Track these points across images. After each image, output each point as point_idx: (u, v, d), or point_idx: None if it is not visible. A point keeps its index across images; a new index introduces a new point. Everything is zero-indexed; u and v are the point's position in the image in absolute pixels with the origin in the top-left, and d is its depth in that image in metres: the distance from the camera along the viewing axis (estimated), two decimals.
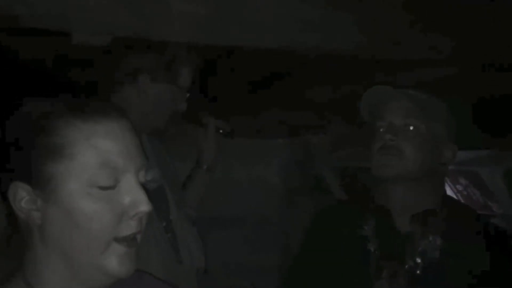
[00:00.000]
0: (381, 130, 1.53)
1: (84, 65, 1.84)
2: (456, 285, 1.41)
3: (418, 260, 1.46)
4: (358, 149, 2.16)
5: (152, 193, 1.79)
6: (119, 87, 1.77)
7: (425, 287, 1.44)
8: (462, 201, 2.77)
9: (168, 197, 1.88)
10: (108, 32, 1.77)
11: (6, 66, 1.79)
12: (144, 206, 0.90)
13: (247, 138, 2.68)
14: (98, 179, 0.87)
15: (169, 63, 1.78)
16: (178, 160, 2.04)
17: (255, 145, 2.87)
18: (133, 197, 0.89)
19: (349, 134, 2.40)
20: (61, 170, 0.87)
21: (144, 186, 0.93)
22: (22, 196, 0.89)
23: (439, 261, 1.45)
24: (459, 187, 2.72)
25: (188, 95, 1.84)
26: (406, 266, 1.46)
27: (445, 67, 2.44)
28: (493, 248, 1.45)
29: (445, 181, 1.69)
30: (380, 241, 1.51)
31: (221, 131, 2.01)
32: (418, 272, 1.45)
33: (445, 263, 1.45)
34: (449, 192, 2.78)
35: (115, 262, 0.89)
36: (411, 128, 1.50)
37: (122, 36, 1.77)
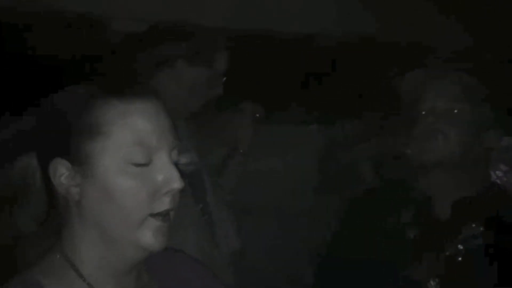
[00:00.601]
0: (423, 113, 1.47)
1: (121, 52, 1.85)
2: (498, 273, 1.36)
3: (460, 247, 1.42)
4: (394, 136, 2.11)
5: (189, 176, 1.82)
6: (156, 73, 1.77)
7: (465, 275, 1.40)
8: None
9: (205, 180, 1.89)
10: (145, 18, 1.78)
11: (46, 50, 1.81)
12: (177, 183, 0.92)
13: (281, 125, 2.66)
14: (133, 156, 0.90)
15: (205, 48, 1.78)
16: (214, 145, 2.03)
17: (288, 132, 2.84)
18: (166, 175, 0.92)
19: (385, 120, 2.35)
20: (98, 147, 0.90)
21: (178, 166, 0.95)
22: (62, 172, 0.92)
23: (480, 249, 1.41)
24: (499, 173, 2.64)
25: (224, 79, 1.83)
26: (447, 254, 1.42)
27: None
28: None
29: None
30: (419, 228, 1.47)
31: (257, 115, 2.00)
32: (459, 259, 1.41)
33: (487, 251, 1.40)
34: None
35: (149, 235, 0.91)
36: (455, 111, 1.45)
37: (159, 22, 1.78)
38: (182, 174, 1.77)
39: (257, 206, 2.52)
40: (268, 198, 2.59)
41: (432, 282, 1.42)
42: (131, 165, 0.90)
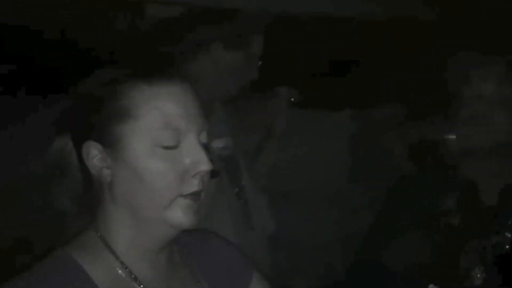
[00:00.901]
0: (469, 98, 1.43)
1: (154, 36, 1.85)
2: None
3: (508, 235, 1.39)
4: (432, 121, 2.06)
5: (224, 160, 1.82)
6: (192, 56, 1.77)
7: (509, 262, 1.37)
8: None
9: (240, 164, 1.89)
10: (180, 2, 1.78)
11: (80, 35, 1.83)
12: (205, 165, 0.93)
13: (315, 111, 2.62)
14: (162, 139, 0.92)
15: (240, 31, 1.77)
16: (250, 129, 2.02)
17: (322, 118, 2.81)
18: (194, 157, 0.93)
19: (421, 105, 2.29)
20: (128, 130, 0.92)
21: (210, 149, 0.97)
22: (94, 154, 0.94)
23: None
24: None
25: (260, 63, 1.81)
26: (494, 241, 1.39)
27: None
28: None
29: None
30: (463, 215, 1.44)
31: (292, 99, 1.98)
32: (507, 247, 1.38)
33: None
34: None
35: (180, 213, 0.93)
36: (502, 96, 1.40)
37: (194, 6, 1.77)
38: (218, 158, 1.78)
39: (291, 190, 2.51)
40: (302, 183, 2.57)
41: (477, 270, 1.38)
42: (160, 148, 0.92)
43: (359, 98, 2.71)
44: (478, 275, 1.38)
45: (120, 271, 0.94)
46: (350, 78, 2.54)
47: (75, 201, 0.98)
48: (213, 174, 1.68)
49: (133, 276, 0.94)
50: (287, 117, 2.01)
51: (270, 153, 2.04)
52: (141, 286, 0.95)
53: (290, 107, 2.00)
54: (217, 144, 1.82)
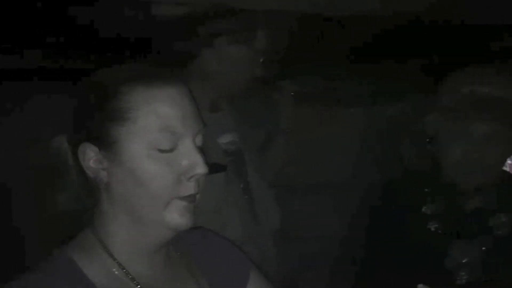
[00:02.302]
0: (459, 135, 1.36)
1: (162, 33, 1.82)
2: None
3: (485, 237, 1.39)
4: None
5: (230, 155, 1.79)
6: (198, 52, 1.75)
7: (493, 263, 1.37)
8: None
9: (246, 160, 1.86)
10: (185, 1, 1.75)
11: (84, 35, 1.79)
12: (201, 168, 0.92)
13: (326, 106, 2.59)
14: (158, 142, 0.90)
15: (244, 26, 1.74)
16: (256, 124, 1.99)
17: (332, 113, 2.77)
18: (190, 160, 0.92)
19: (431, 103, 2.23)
20: (125, 132, 0.90)
21: (202, 150, 0.94)
22: (90, 156, 0.93)
23: (506, 237, 1.39)
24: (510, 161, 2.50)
25: (263, 58, 1.78)
26: (476, 244, 1.39)
27: None
28: None
29: None
30: (444, 219, 1.42)
31: (292, 94, 1.94)
32: (484, 248, 1.39)
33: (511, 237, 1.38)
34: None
35: (176, 215, 0.91)
36: (494, 98, 1.33)
37: (199, 5, 1.73)
38: (224, 153, 1.75)
39: (300, 186, 2.48)
40: (311, 179, 2.54)
41: (462, 271, 1.38)
42: (156, 151, 0.90)
43: (370, 96, 2.66)
44: (464, 276, 1.37)
45: (117, 272, 0.93)
46: (360, 73, 2.49)
47: (72, 202, 0.96)
48: (219, 168, 1.67)
49: (130, 276, 0.93)
50: (294, 112, 1.98)
51: (277, 149, 2.00)
52: (138, 286, 0.93)
53: (296, 103, 1.97)
54: (223, 139, 1.80)
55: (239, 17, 1.72)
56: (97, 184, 0.94)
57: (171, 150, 0.90)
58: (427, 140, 1.47)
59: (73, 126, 0.95)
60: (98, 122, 0.91)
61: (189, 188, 0.91)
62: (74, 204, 0.96)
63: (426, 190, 1.46)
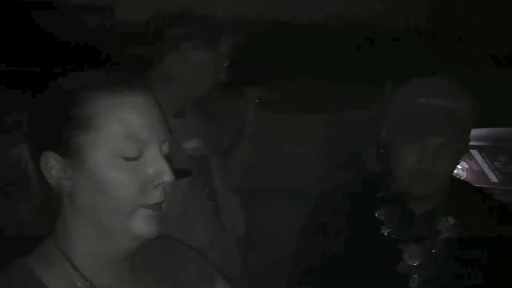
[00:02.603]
0: (413, 145, 1.38)
1: (128, 40, 1.81)
2: (471, 258, 1.40)
3: (435, 240, 1.43)
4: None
5: (196, 161, 1.79)
6: (162, 57, 1.74)
7: (442, 265, 1.41)
8: (500, 178, 2.64)
9: (211, 165, 1.85)
10: (149, 7, 1.74)
11: (48, 41, 1.76)
12: (167, 176, 0.89)
13: (287, 112, 2.61)
14: (123, 150, 0.87)
15: (208, 32, 1.75)
16: (221, 130, 1.99)
17: (295, 119, 2.79)
18: (157, 168, 0.89)
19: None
20: (89, 140, 0.87)
21: (168, 158, 0.92)
22: (52, 165, 0.89)
23: (453, 239, 1.43)
24: (497, 164, 2.59)
25: (227, 64, 1.79)
26: (427, 247, 1.43)
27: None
28: (497, 219, 1.44)
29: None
30: (395, 224, 1.45)
31: (256, 100, 1.95)
32: (434, 251, 1.42)
33: (459, 240, 1.42)
34: (486, 169, 2.66)
35: (141, 224, 0.89)
36: (449, 151, 1.38)
37: (163, 10, 1.73)
38: (189, 159, 1.74)
39: (263, 191, 2.48)
40: (273, 184, 2.55)
41: (413, 276, 1.41)
42: (122, 159, 0.87)
43: (331, 102, 2.70)
44: (416, 279, 1.40)
45: (80, 284, 0.89)
46: (322, 83, 2.53)
47: (33, 212, 0.92)
48: (184, 173, 1.66)
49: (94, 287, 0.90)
50: (257, 117, 1.98)
51: (241, 154, 2.01)
52: None
53: (260, 109, 1.98)
54: (189, 145, 1.79)
55: (202, 23, 1.72)
56: (59, 193, 0.90)
57: (136, 158, 0.88)
58: (380, 146, 1.50)
59: (33, 134, 0.91)
60: (60, 130, 0.88)
61: (155, 196, 0.89)
62: (35, 214, 0.92)
63: (379, 195, 1.49)
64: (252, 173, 2.06)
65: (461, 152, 1.44)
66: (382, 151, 1.51)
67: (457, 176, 2.75)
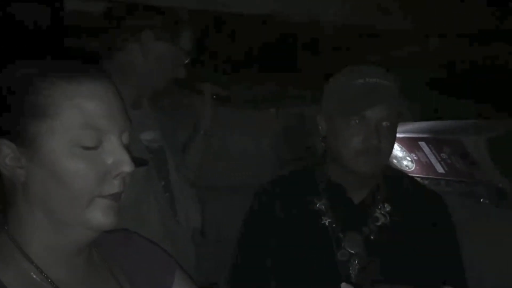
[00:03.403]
0: (357, 124, 1.42)
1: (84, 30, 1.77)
2: (407, 244, 1.45)
3: (372, 227, 1.47)
4: None
5: (152, 153, 1.77)
6: (122, 45, 1.71)
7: (381, 251, 1.45)
8: (446, 169, 2.73)
9: (168, 158, 1.84)
10: None
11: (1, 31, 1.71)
12: (127, 166, 0.88)
13: (241, 108, 2.62)
14: (81, 139, 0.85)
15: (171, 24, 1.73)
16: (177, 124, 1.99)
17: (248, 115, 2.81)
18: (116, 158, 0.88)
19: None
20: (45, 129, 0.85)
21: (128, 148, 0.90)
22: (6, 153, 0.86)
23: (390, 225, 1.48)
24: (443, 155, 2.68)
25: (187, 60, 1.78)
26: (365, 234, 1.47)
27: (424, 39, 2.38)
28: (431, 207, 1.52)
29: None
30: (335, 214, 1.49)
31: (214, 96, 1.96)
32: (372, 237, 1.46)
33: (395, 226, 1.48)
34: (433, 160, 2.74)
35: (99, 214, 0.87)
36: (389, 125, 1.43)
37: (117, 2, 1.71)
38: (146, 150, 1.72)
39: (217, 188, 2.48)
40: (229, 177, 2.55)
41: (354, 263, 1.45)
42: (80, 148, 0.85)
43: (285, 97, 2.72)
44: (356, 266, 1.44)
45: (36, 277, 0.87)
46: (275, 78, 2.55)
47: None
48: (141, 162, 1.64)
49: (49, 280, 0.88)
50: (213, 112, 1.99)
51: (197, 148, 2.00)
52: None
53: (215, 104, 1.99)
54: (145, 136, 1.78)
55: (164, 14, 1.71)
56: (13, 183, 0.87)
57: (95, 148, 0.86)
58: (320, 138, 1.54)
59: None
60: (15, 118, 0.85)
61: (114, 186, 0.88)
62: None
63: (319, 186, 1.53)
64: (207, 167, 2.06)
65: (396, 129, 1.48)
66: (323, 143, 1.54)
67: (407, 168, 2.84)
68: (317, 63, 2.48)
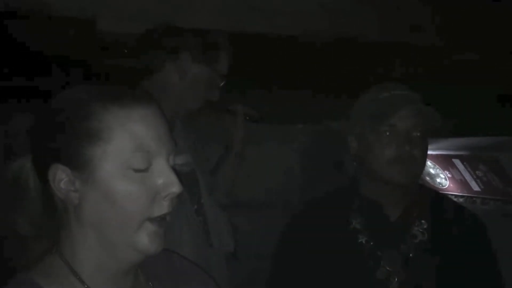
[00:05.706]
0: (388, 136, 1.44)
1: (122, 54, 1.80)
2: (445, 261, 1.44)
3: (411, 244, 1.47)
4: None
5: (184, 176, 1.77)
6: (160, 66, 1.74)
7: (420, 268, 1.45)
8: (482, 187, 2.68)
9: (200, 181, 1.85)
10: (135, 19, 1.74)
11: (41, 55, 1.75)
12: (176, 187, 0.91)
13: (268, 124, 2.62)
14: (133, 162, 0.89)
15: (208, 46, 1.75)
16: (209, 146, 1.99)
17: (276, 130, 2.80)
18: (165, 179, 0.91)
19: None
20: (99, 153, 0.88)
21: (175, 170, 0.94)
22: (61, 177, 0.90)
23: (428, 242, 1.47)
24: (479, 173, 2.63)
25: (223, 83, 1.79)
26: (403, 251, 1.46)
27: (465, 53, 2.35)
28: (468, 225, 1.51)
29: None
30: (371, 231, 1.49)
31: (247, 118, 1.96)
32: (411, 255, 1.45)
33: (434, 243, 1.47)
34: (468, 178, 2.69)
35: (146, 240, 0.90)
36: (420, 135, 1.45)
37: (150, 24, 1.74)
38: (180, 178, 1.73)
39: (246, 204, 2.47)
40: (256, 196, 2.54)
41: (393, 281, 1.44)
42: (131, 171, 0.89)
43: (311, 112, 2.71)
44: (395, 284, 1.43)
45: None
46: (302, 93, 2.54)
47: (36, 224, 0.93)
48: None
49: None
50: (245, 133, 1.99)
51: (230, 169, 2.01)
52: None
53: (248, 124, 1.98)
54: (178, 160, 1.77)
55: (202, 36, 1.72)
56: (65, 206, 0.91)
57: (145, 170, 0.89)
58: (352, 157, 1.54)
59: (41, 147, 0.92)
60: (70, 143, 0.89)
61: (163, 207, 0.91)
62: (38, 227, 0.93)
63: (354, 204, 1.53)
64: (240, 188, 2.05)
65: (427, 140, 1.48)
66: (355, 163, 1.54)
67: (440, 185, 2.79)
68: (344, 79, 2.47)
